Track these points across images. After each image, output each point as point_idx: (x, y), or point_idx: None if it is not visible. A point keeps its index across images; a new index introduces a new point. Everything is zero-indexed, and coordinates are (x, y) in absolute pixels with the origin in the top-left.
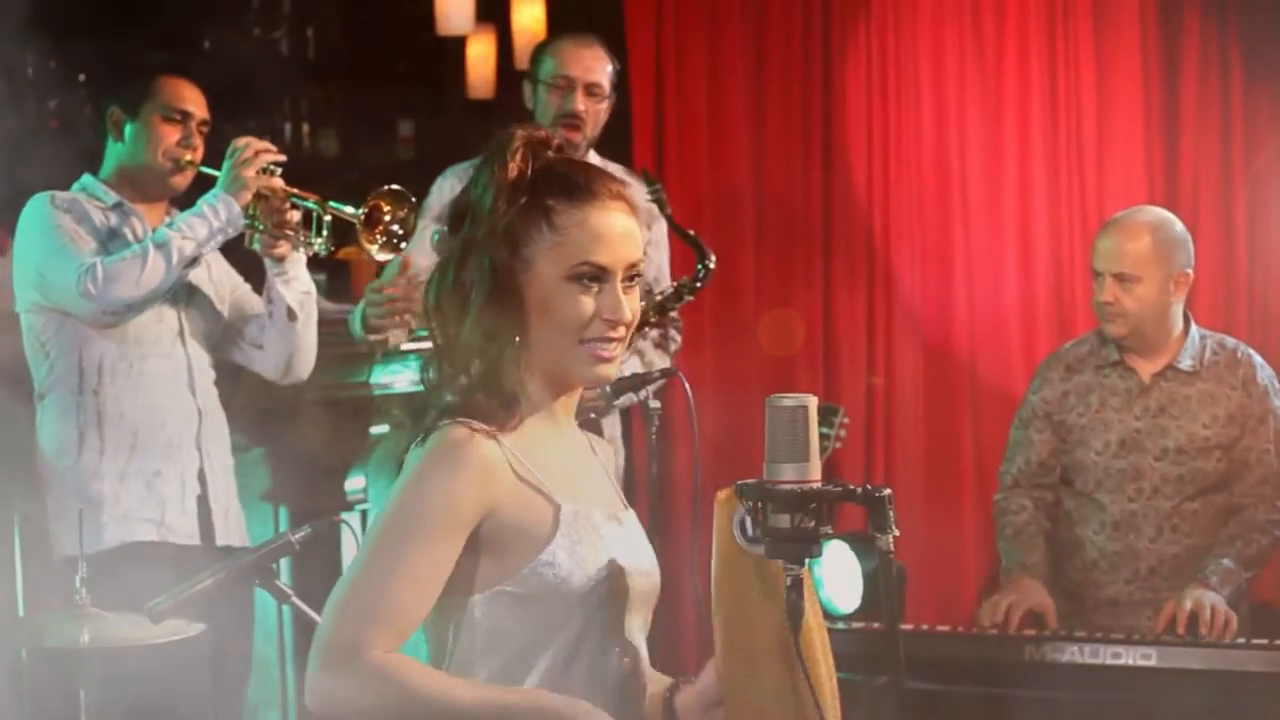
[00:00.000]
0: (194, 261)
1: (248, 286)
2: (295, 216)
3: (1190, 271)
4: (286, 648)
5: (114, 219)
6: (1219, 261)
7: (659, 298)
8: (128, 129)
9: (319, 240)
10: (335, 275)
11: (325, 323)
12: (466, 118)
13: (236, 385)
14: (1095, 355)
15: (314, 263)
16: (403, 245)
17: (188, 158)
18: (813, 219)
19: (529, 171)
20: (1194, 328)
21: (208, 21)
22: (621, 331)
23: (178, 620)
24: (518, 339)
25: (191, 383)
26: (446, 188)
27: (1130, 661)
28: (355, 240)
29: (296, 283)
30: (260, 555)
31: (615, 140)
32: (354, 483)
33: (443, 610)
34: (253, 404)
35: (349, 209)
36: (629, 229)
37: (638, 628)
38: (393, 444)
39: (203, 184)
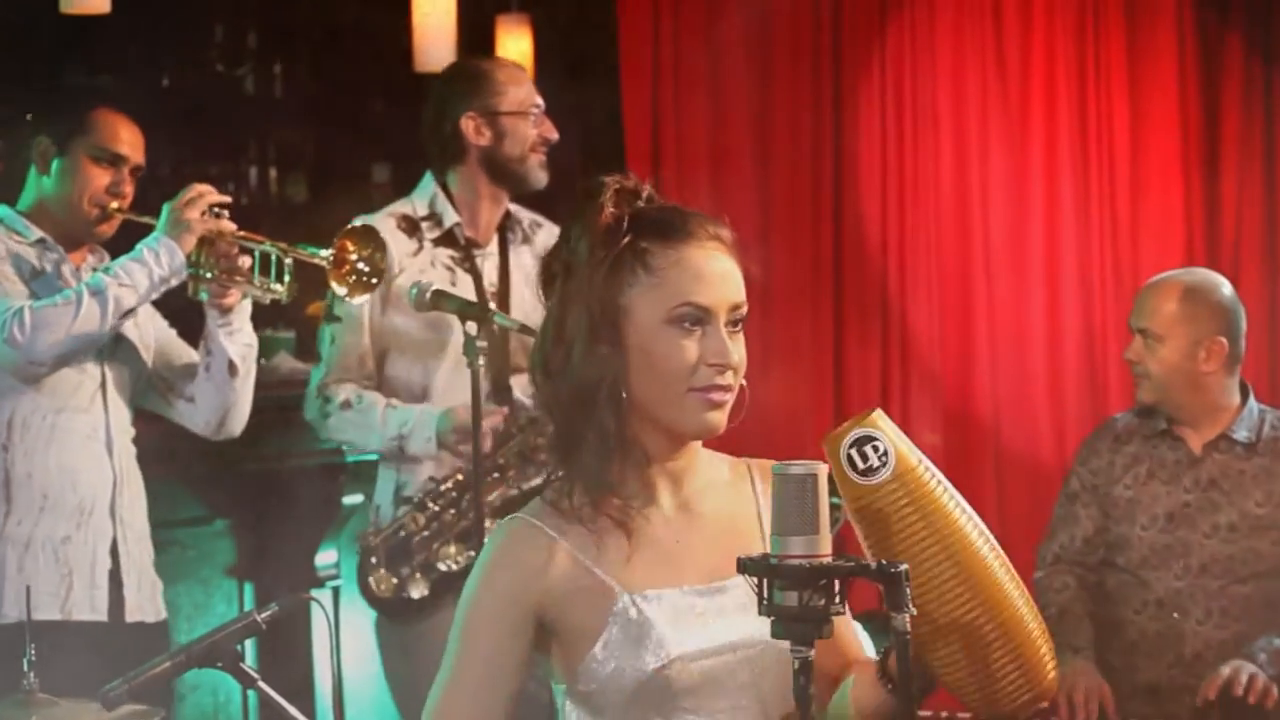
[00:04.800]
0: (130, 312)
1: (173, 332)
2: (246, 262)
3: (1225, 341)
4: None
5: (36, 256)
6: (1263, 313)
7: None
8: (54, 164)
9: (280, 287)
10: (305, 332)
11: (295, 384)
12: None
13: (200, 450)
14: (1144, 425)
15: (283, 320)
16: (374, 282)
17: (115, 205)
18: (822, 270)
19: (624, 217)
20: (1253, 401)
21: (166, 57)
22: (730, 378)
23: (134, 706)
24: (624, 394)
25: (109, 442)
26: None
27: None
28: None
29: (240, 334)
30: (224, 636)
31: None
32: (325, 557)
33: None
34: (216, 472)
35: (315, 251)
36: (728, 269)
37: (742, 708)
38: (366, 515)
39: (133, 228)
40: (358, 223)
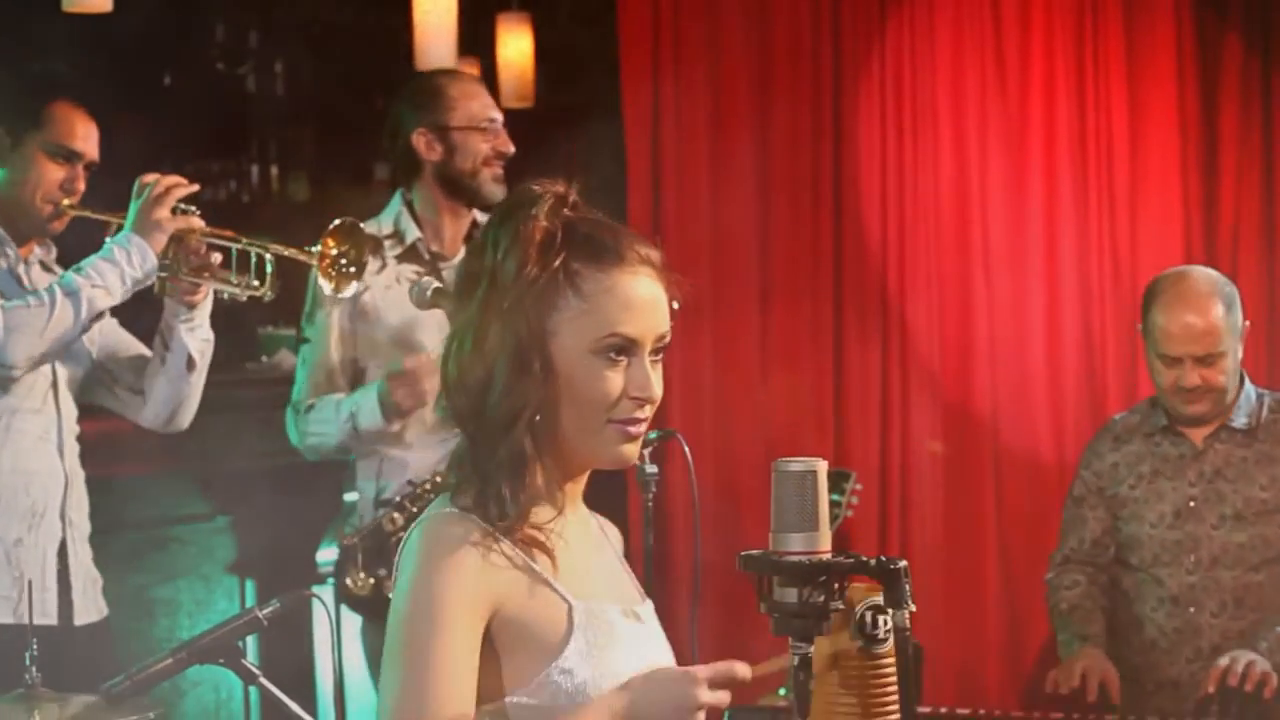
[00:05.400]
0: (101, 314)
1: (115, 322)
2: (217, 258)
3: (1249, 322)
4: None
5: None
6: (1260, 310)
7: None
8: (8, 157)
9: (260, 284)
10: None
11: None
12: None
13: (201, 447)
14: (1145, 423)
15: (284, 317)
16: (353, 270)
17: (67, 202)
18: (822, 269)
19: (556, 232)
20: (1249, 384)
21: (168, 55)
22: (648, 410)
23: (135, 701)
24: (539, 417)
25: (60, 443)
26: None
27: None
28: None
29: (200, 329)
30: (225, 632)
31: (609, 185)
32: (326, 554)
33: None
34: (216, 469)
35: (309, 250)
36: (657, 296)
37: None
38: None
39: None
40: (339, 220)
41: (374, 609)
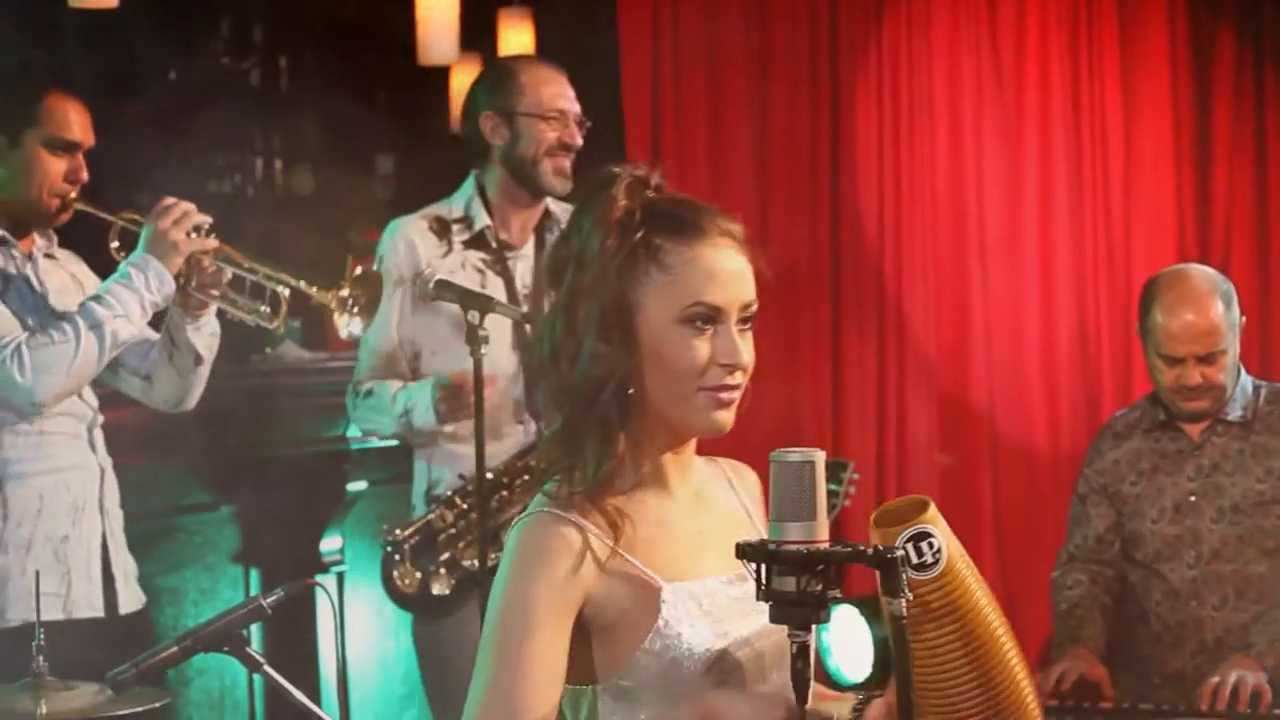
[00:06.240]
0: (123, 344)
1: None
2: (227, 276)
3: (1245, 317)
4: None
5: (1, 259)
6: (1253, 301)
7: None
8: (8, 157)
9: (268, 310)
10: (310, 322)
11: (301, 372)
12: (450, 153)
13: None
14: (1144, 419)
15: (289, 312)
16: (356, 310)
17: (74, 196)
18: (820, 262)
19: (635, 210)
20: (1244, 376)
21: (173, 50)
22: (739, 377)
23: (141, 690)
24: (631, 390)
25: (91, 438)
26: (401, 248)
27: None
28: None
29: (207, 327)
30: (229, 620)
31: None
32: (330, 543)
33: (567, 701)
34: (221, 459)
35: (325, 286)
36: (740, 267)
37: (781, 691)
38: (370, 501)
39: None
40: (362, 270)
41: (421, 606)
